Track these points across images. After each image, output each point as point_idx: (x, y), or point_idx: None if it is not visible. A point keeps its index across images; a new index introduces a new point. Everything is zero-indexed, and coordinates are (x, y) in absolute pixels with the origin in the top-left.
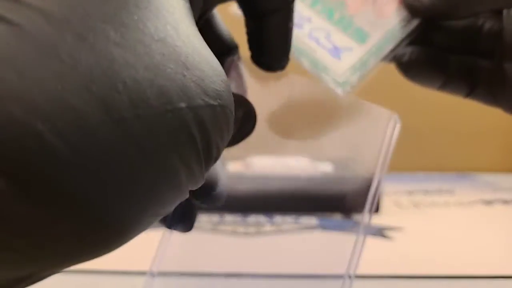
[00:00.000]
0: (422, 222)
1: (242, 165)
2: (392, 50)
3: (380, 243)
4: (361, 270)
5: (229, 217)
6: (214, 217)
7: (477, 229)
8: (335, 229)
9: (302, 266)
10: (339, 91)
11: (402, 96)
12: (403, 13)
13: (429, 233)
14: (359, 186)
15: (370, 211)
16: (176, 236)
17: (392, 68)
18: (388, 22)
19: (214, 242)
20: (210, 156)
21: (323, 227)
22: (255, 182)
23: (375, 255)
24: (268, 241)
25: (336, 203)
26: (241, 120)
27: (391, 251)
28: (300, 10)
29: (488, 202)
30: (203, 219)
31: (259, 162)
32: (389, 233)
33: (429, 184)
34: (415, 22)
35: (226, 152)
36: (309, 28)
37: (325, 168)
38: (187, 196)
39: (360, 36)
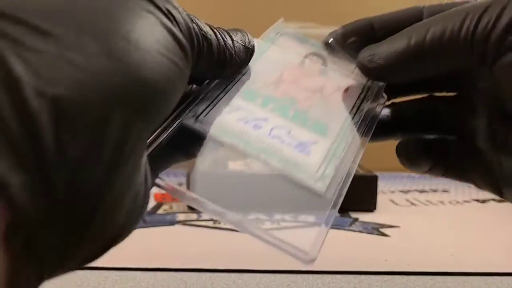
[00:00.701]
0: (418, 220)
1: (242, 165)
2: (363, 131)
3: (377, 241)
4: (358, 267)
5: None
6: None
7: (472, 227)
8: (333, 226)
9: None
10: (318, 186)
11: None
12: (353, 98)
13: (425, 231)
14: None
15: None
16: (177, 234)
17: None
18: (341, 109)
19: (214, 238)
20: None
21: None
22: (255, 181)
23: (371, 252)
24: None
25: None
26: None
27: (387, 248)
28: (254, 111)
29: (482, 201)
30: (204, 216)
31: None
32: (385, 230)
33: (424, 183)
34: (371, 97)
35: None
36: (268, 128)
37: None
38: None
39: (320, 129)
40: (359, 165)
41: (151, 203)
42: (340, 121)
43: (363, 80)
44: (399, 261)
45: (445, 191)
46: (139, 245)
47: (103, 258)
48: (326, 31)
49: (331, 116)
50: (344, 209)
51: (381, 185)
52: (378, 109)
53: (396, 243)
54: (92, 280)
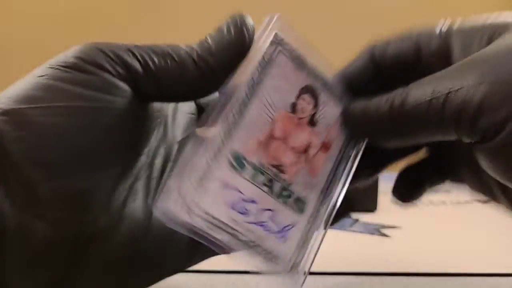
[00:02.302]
0: (419, 221)
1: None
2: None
3: (378, 241)
4: (359, 268)
5: None
6: None
7: (473, 228)
8: (334, 227)
9: None
10: (289, 278)
11: None
12: (333, 157)
13: (426, 231)
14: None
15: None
16: None
17: None
18: (320, 177)
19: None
20: None
21: None
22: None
23: (372, 253)
24: None
25: None
26: None
27: (389, 248)
28: (243, 188)
29: (484, 201)
30: None
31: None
32: (386, 231)
33: None
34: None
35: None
36: (254, 213)
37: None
38: None
39: (300, 207)
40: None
41: None
42: (318, 190)
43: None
44: (401, 262)
45: (446, 191)
46: None
47: None
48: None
49: (310, 187)
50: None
51: (382, 186)
52: (356, 155)
53: (397, 243)
54: None
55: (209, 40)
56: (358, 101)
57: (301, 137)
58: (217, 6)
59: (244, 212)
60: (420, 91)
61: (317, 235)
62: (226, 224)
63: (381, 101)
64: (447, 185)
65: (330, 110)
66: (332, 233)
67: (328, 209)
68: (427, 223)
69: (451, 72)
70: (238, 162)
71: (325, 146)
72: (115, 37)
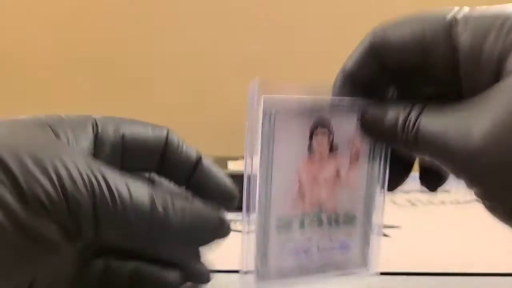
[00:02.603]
0: (419, 221)
1: (242, 165)
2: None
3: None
4: None
5: (229, 216)
6: None
7: (473, 228)
8: None
9: None
10: (364, 271)
11: None
12: (365, 163)
13: (425, 231)
14: None
15: None
16: None
17: None
18: (359, 185)
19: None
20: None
21: None
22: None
23: None
24: None
25: None
26: None
27: (388, 248)
28: (297, 238)
29: None
30: None
31: (259, 162)
32: (386, 231)
33: None
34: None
35: (227, 152)
36: (315, 246)
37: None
38: None
39: (350, 220)
40: None
41: None
42: (361, 196)
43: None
44: (400, 262)
45: (446, 191)
46: None
47: None
48: (317, 90)
49: (354, 199)
50: None
51: None
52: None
53: (397, 243)
54: None
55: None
56: (371, 110)
57: (328, 167)
58: (217, 8)
59: (307, 251)
60: (434, 126)
61: (373, 232)
62: (296, 271)
63: (393, 117)
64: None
65: (346, 125)
66: None
67: (377, 206)
68: (427, 223)
69: (466, 110)
70: (284, 223)
71: (354, 159)
72: (115, 37)
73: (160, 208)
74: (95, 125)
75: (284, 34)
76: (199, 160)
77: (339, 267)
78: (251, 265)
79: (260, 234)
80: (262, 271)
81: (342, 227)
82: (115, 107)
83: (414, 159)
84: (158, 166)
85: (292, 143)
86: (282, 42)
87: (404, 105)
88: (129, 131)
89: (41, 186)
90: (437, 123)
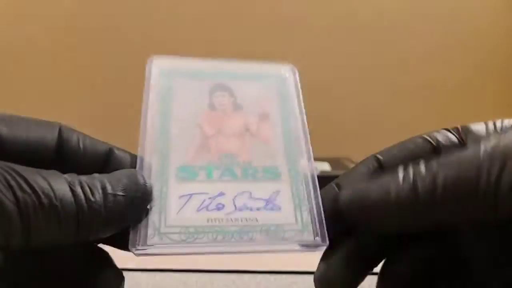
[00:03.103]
0: None
1: None
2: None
3: None
4: None
5: None
6: None
7: None
8: None
9: (301, 263)
10: (305, 236)
11: (401, 96)
12: (277, 120)
13: None
14: None
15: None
16: None
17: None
18: (276, 140)
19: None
20: None
21: None
22: None
23: None
24: None
25: None
26: None
27: None
28: (205, 189)
29: None
30: None
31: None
32: None
33: None
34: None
35: None
36: (231, 202)
37: (323, 167)
38: None
39: (273, 174)
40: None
41: None
42: (281, 153)
43: (273, 93)
44: None
45: None
46: None
47: None
48: (209, 62)
49: (272, 153)
50: None
51: None
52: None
53: None
54: None
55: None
56: (351, 187)
57: (234, 122)
58: (217, 8)
59: (220, 207)
60: (452, 171)
61: (307, 188)
62: (207, 226)
63: (391, 185)
64: None
65: (248, 90)
66: None
67: (307, 159)
68: None
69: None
70: (187, 172)
71: (263, 117)
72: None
73: (85, 197)
74: None
75: (284, 34)
76: (110, 153)
77: (267, 231)
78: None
79: (158, 184)
80: (159, 228)
81: (264, 182)
82: (115, 109)
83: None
84: (55, 166)
85: (190, 102)
86: (282, 42)
87: None
88: (7, 129)
89: None
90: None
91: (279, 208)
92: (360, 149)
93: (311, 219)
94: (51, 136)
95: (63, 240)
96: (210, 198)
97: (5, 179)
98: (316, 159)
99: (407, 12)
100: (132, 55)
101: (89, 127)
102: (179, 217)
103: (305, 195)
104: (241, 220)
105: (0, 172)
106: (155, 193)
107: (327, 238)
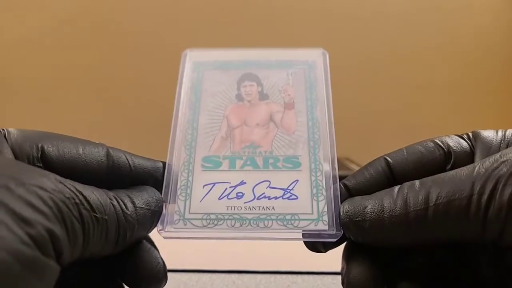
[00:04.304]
0: None
1: None
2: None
3: None
4: None
5: None
6: None
7: None
8: None
9: (301, 263)
10: (320, 225)
11: (402, 97)
12: (303, 108)
13: None
14: None
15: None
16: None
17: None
18: (299, 129)
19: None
20: None
21: None
22: None
23: None
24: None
25: None
26: None
27: None
28: (227, 179)
29: None
30: None
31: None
32: None
33: None
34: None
35: None
36: (250, 191)
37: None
38: None
39: (293, 164)
40: (358, 165)
41: None
42: (304, 142)
43: (301, 81)
44: None
45: None
46: None
47: None
48: (239, 52)
49: (295, 142)
50: None
51: None
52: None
53: None
54: None
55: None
56: (354, 201)
57: (259, 112)
58: (217, 9)
59: (240, 196)
60: (448, 188)
61: (327, 178)
62: (226, 214)
63: (385, 203)
64: None
65: (275, 79)
66: None
67: (329, 148)
68: None
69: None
70: (212, 162)
71: (288, 106)
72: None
73: (122, 211)
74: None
75: (284, 34)
76: (161, 168)
77: (285, 222)
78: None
79: (185, 174)
80: (184, 214)
81: (284, 171)
82: (115, 108)
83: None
84: (102, 184)
85: (218, 93)
86: (282, 42)
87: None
88: (53, 146)
89: (42, 213)
90: (450, 184)
91: (296, 197)
92: (360, 149)
93: (327, 208)
94: (100, 155)
95: (106, 251)
96: (231, 187)
97: (72, 197)
98: None
99: (407, 12)
100: (133, 55)
101: (95, 129)
102: (202, 205)
103: (324, 184)
104: (259, 209)
105: (67, 191)
106: (183, 183)
107: (341, 228)
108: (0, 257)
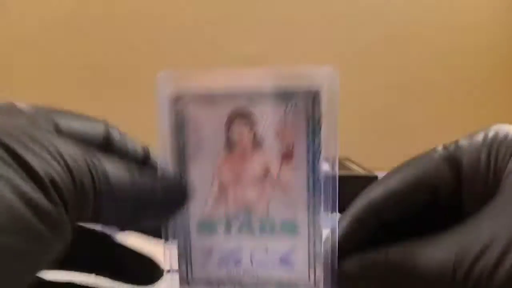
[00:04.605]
0: None
1: None
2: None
3: None
4: None
5: None
6: None
7: None
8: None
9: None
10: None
11: (404, 96)
12: (303, 158)
13: None
14: (357, 184)
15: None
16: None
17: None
18: (298, 186)
19: None
20: None
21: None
22: None
23: None
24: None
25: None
26: None
27: None
28: (224, 244)
29: None
30: None
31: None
32: None
33: None
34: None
35: None
36: (247, 257)
37: (322, 167)
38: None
39: (290, 229)
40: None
41: None
42: (302, 203)
43: (301, 118)
44: None
45: None
46: (140, 244)
47: None
48: (222, 74)
49: (292, 203)
50: (344, 210)
51: None
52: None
53: None
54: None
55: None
56: (352, 258)
57: (253, 165)
58: (217, 10)
59: (238, 263)
60: (439, 252)
61: (325, 244)
62: (227, 279)
63: (378, 263)
64: None
65: (271, 117)
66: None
67: (329, 211)
68: None
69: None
70: (206, 226)
71: (286, 156)
72: (116, 37)
73: (142, 182)
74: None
75: (283, 35)
76: (147, 154)
77: (281, 287)
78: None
79: (181, 238)
80: (187, 278)
81: (281, 237)
82: (114, 106)
83: None
84: None
85: (206, 136)
86: (281, 42)
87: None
88: (64, 121)
89: (50, 165)
90: (442, 246)
91: (293, 265)
92: (360, 149)
93: (324, 276)
94: (99, 130)
95: (120, 221)
96: (229, 252)
97: (85, 159)
98: None
99: (408, 12)
100: (134, 56)
101: None
102: (203, 270)
103: (321, 251)
104: (257, 277)
105: (81, 153)
106: (180, 244)
107: None
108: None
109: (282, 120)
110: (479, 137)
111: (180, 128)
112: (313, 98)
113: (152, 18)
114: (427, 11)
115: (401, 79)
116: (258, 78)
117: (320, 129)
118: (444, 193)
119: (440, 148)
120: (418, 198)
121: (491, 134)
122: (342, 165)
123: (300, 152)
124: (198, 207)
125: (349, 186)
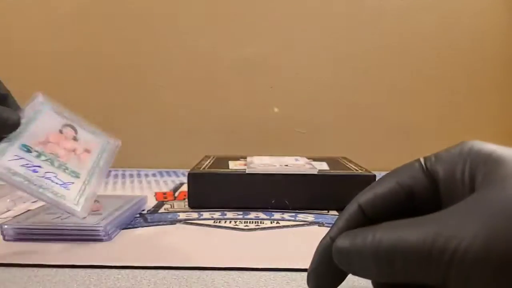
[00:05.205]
0: None
1: (243, 164)
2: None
3: None
4: None
5: (230, 214)
6: (216, 214)
7: None
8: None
9: (300, 261)
10: (76, 208)
11: (400, 96)
12: (94, 155)
13: None
14: (355, 184)
15: None
16: (178, 232)
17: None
18: (87, 163)
19: (215, 237)
20: None
21: (320, 223)
22: (255, 180)
23: None
24: (267, 236)
25: (332, 200)
26: None
27: None
28: (32, 160)
29: None
30: (205, 215)
31: (259, 161)
32: None
33: None
34: None
35: (227, 152)
36: (43, 172)
37: (321, 167)
38: None
39: (75, 175)
40: (358, 165)
41: (153, 202)
42: (86, 169)
43: (100, 144)
44: None
45: None
46: (140, 244)
47: (103, 256)
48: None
49: (81, 167)
50: (343, 207)
51: None
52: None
53: None
54: (93, 278)
55: None
56: (343, 237)
57: (69, 144)
58: (217, 11)
59: (35, 171)
60: (415, 234)
61: (90, 190)
62: (22, 174)
63: (367, 239)
64: None
65: (85, 136)
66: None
67: (94, 176)
68: None
69: (445, 217)
70: (26, 148)
71: (87, 151)
72: (115, 37)
73: None
74: None
75: (282, 36)
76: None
77: (55, 194)
78: None
79: (5, 144)
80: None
81: (67, 175)
82: (116, 103)
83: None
84: None
85: (49, 123)
86: (281, 43)
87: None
88: None
89: None
90: (419, 229)
91: (69, 189)
92: (358, 149)
93: (84, 202)
94: None
95: None
96: (32, 165)
97: None
98: (315, 159)
99: (408, 12)
100: (134, 56)
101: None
102: (9, 163)
103: (90, 190)
104: (44, 182)
105: None
106: (2, 147)
107: (86, 214)
108: None
109: (91, 138)
110: (456, 150)
111: (37, 112)
112: (107, 142)
113: (152, 18)
114: (427, 11)
115: (400, 80)
116: (85, 123)
117: (105, 151)
118: (420, 197)
119: (422, 158)
120: (397, 201)
121: (466, 147)
122: (341, 165)
123: (94, 153)
124: (27, 140)
125: (348, 185)
